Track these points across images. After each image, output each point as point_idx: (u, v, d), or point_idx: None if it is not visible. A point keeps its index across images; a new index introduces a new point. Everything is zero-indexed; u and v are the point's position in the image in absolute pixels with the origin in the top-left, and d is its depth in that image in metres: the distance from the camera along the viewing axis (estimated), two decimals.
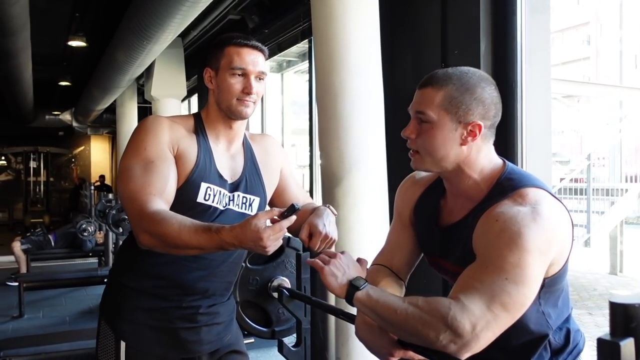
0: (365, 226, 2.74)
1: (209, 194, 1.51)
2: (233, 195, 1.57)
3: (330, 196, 2.81)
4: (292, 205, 1.25)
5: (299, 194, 1.75)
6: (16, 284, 5.51)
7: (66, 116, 12.37)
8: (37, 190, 15.37)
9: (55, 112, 12.39)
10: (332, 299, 1.82)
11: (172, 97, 7.51)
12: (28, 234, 7.24)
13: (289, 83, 7.23)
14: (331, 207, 1.55)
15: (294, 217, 1.26)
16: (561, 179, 9.14)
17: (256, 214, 1.24)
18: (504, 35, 2.77)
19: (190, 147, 1.52)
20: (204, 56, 1.65)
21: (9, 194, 15.12)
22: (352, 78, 2.76)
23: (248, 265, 1.99)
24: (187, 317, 1.57)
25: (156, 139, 1.47)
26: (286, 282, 2.08)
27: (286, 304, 1.88)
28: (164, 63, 7.16)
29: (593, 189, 8.25)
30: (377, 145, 2.84)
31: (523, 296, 1.10)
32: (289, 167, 1.78)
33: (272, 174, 1.70)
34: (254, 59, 1.53)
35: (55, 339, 3.35)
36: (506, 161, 1.26)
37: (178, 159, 1.49)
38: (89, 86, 8.75)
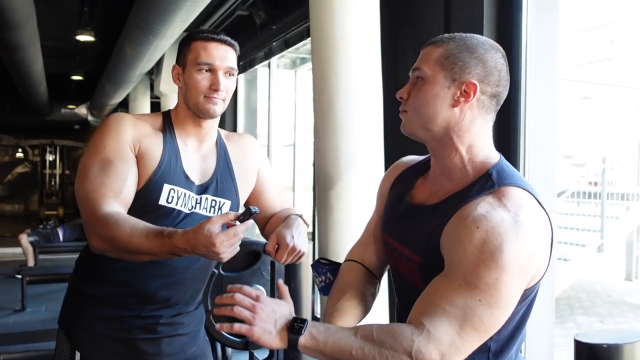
0: (359, 231, 2.63)
1: (172, 197, 1.43)
2: (200, 198, 1.49)
3: (324, 199, 2.71)
4: (249, 209, 1.17)
5: (276, 198, 1.66)
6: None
7: (82, 110, 12.46)
8: (53, 182, 15.50)
9: (71, 106, 12.46)
10: (306, 311, 1.72)
11: None
12: (40, 227, 7.26)
13: (303, 80, 7.15)
14: (303, 217, 1.46)
15: (251, 222, 1.17)
16: (578, 182, 8.92)
17: (210, 218, 1.15)
18: (508, 33, 2.66)
19: (155, 147, 1.44)
20: None
21: (25, 185, 15.29)
22: (349, 75, 2.66)
23: (221, 272, 1.89)
24: (147, 328, 1.49)
25: (117, 138, 1.40)
26: (262, 291, 1.97)
27: None
28: (173, 59, 7.10)
29: (608, 194, 8.00)
30: (374, 146, 2.73)
31: (497, 319, 1.01)
32: (267, 168, 1.68)
33: (247, 175, 1.61)
34: (222, 54, 1.45)
35: (46, 337, 3.30)
36: (502, 157, 1.16)
37: (140, 158, 1.42)
38: (101, 80, 8.75)
